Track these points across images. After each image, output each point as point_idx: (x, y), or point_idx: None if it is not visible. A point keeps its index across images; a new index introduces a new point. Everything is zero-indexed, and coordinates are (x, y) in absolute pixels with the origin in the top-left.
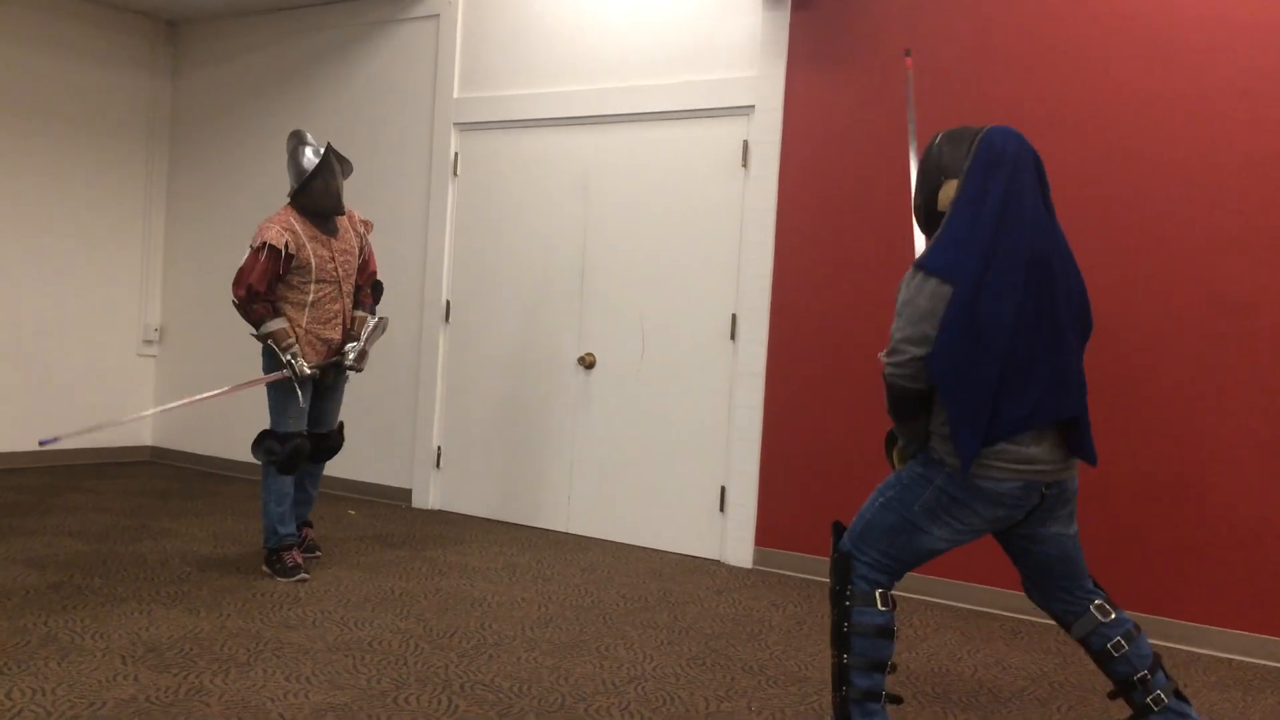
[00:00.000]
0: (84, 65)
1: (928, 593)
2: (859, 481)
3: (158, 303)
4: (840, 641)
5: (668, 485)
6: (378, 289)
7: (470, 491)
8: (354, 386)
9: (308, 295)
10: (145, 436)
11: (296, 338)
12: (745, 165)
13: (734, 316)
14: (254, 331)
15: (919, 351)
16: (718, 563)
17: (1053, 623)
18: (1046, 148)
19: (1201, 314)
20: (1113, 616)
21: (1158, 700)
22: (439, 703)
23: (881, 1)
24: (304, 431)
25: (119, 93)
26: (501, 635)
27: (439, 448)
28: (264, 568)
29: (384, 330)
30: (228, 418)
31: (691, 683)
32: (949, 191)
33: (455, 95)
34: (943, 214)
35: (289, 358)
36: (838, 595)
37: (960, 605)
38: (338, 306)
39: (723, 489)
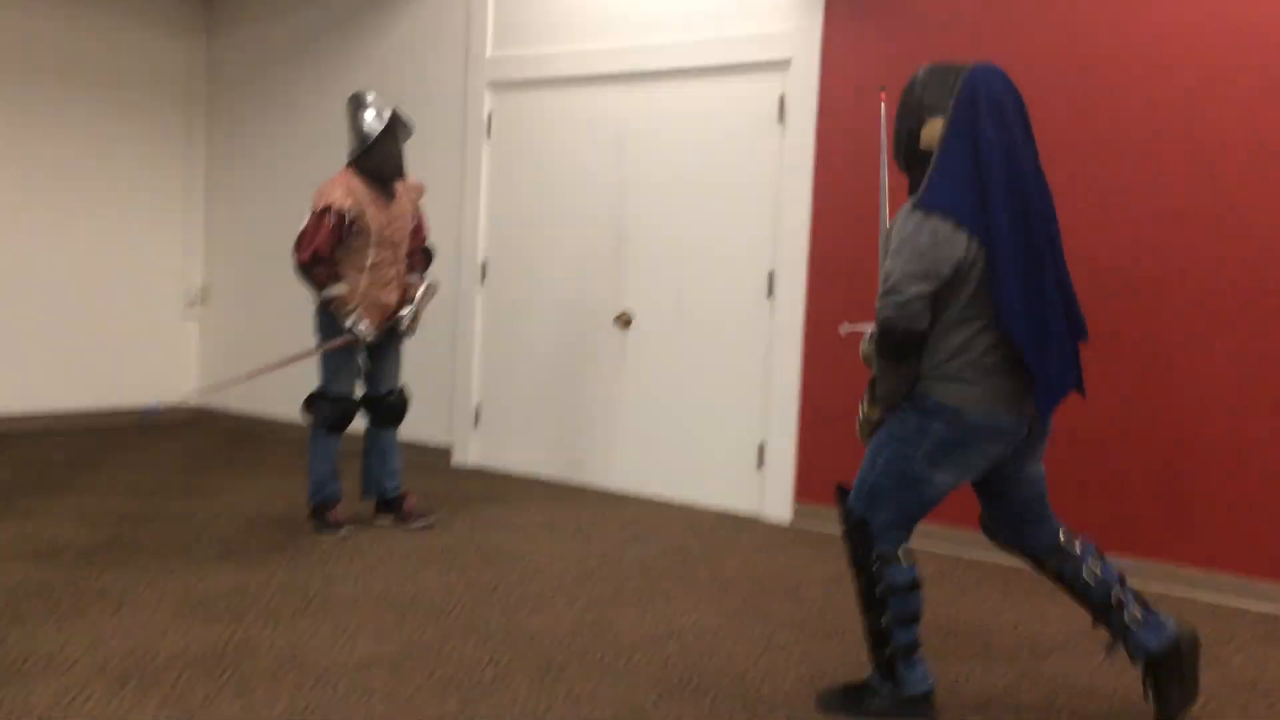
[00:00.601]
0: (118, 25)
1: (968, 545)
2: None
3: (200, 263)
4: (876, 604)
5: (706, 442)
6: (428, 255)
7: (509, 449)
8: None
9: (366, 259)
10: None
11: (356, 302)
12: (782, 121)
13: (771, 273)
14: (315, 295)
15: (923, 288)
16: (756, 519)
17: None
18: (1083, 99)
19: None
20: (1078, 545)
21: (1133, 617)
22: (483, 654)
23: None
24: (352, 394)
25: (154, 53)
26: (543, 589)
27: (478, 405)
28: (309, 524)
29: (434, 294)
30: (273, 377)
31: (731, 637)
32: (933, 130)
33: (489, 54)
34: (925, 152)
35: (350, 321)
36: (863, 562)
37: (1000, 562)
38: (394, 271)
39: (761, 445)
